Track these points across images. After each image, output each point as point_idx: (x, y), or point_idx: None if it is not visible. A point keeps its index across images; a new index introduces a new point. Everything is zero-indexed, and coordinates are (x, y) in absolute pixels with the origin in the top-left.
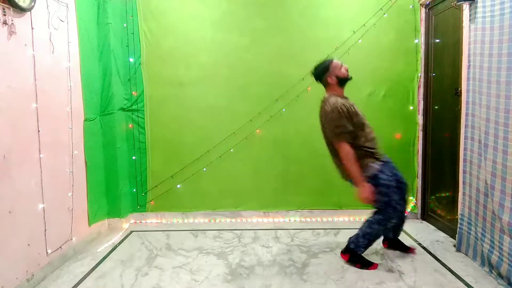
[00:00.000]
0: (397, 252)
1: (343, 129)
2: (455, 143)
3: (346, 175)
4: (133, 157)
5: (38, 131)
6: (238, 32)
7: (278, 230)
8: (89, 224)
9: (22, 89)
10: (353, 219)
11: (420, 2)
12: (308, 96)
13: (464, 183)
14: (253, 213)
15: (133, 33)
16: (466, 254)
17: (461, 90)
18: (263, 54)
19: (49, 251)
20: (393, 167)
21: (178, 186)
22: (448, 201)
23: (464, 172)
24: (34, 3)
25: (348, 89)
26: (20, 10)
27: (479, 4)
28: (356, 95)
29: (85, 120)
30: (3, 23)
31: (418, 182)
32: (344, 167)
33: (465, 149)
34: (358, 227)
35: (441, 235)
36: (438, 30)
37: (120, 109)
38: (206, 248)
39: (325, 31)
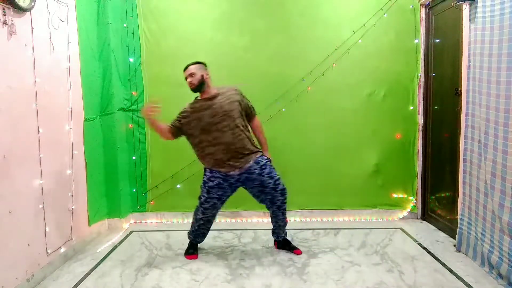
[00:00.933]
0: (397, 252)
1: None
2: (455, 143)
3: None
4: (133, 157)
5: (38, 131)
6: (238, 32)
7: None
8: (89, 224)
9: (22, 89)
10: (353, 219)
11: (420, 2)
12: (308, 96)
13: (464, 183)
14: (253, 213)
15: (133, 33)
16: (466, 254)
17: (461, 90)
18: (263, 54)
19: (49, 251)
20: None
21: (178, 186)
22: (448, 201)
23: (464, 172)
24: (34, 3)
25: (348, 89)
26: (20, 10)
27: (479, 4)
28: (356, 95)
29: (85, 120)
30: (3, 23)
31: (418, 182)
32: (249, 138)
33: (465, 149)
34: (358, 227)
35: (441, 235)
36: (438, 30)
37: (120, 109)
38: (206, 248)
39: (325, 31)
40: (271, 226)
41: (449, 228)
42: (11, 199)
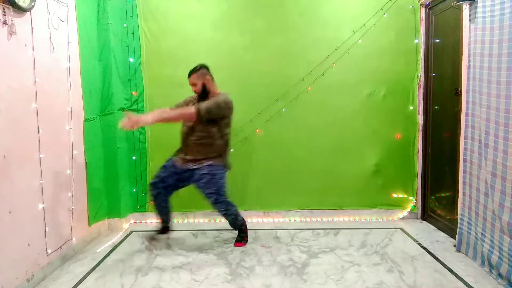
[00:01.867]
0: (397, 252)
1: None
2: (455, 143)
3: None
4: (133, 157)
5: (38, 131)
6: (238, 32)
7: (278, 230)
8: (89, 224)
9: (22, 89)
10: (353, 219)
11: (420, 2)
12: (308, 96)
13: (464, 183)
14: (253, 213)
15: (133, 33)
16: (466, 254)
17: (461, 90)
18: (263, 54)
19: (49, 251)
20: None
21: None
22: (448, 201)
23: (464, 172)
24: (34, 3)
25: (348, 89)
26: (20, 10)
27: (479, 4)
28: (356, 95)
29: (85, 120)
30: (3, 23)
31: (418, 182)
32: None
33: (465, 149)
34: (358, 227)
35: (441, 235)
36: (438, 30)
37: (120, 109)
38: (206, 248)
39: (325, 31)
40: (271, 226)
41: (449, 228)
42: (11, 199)
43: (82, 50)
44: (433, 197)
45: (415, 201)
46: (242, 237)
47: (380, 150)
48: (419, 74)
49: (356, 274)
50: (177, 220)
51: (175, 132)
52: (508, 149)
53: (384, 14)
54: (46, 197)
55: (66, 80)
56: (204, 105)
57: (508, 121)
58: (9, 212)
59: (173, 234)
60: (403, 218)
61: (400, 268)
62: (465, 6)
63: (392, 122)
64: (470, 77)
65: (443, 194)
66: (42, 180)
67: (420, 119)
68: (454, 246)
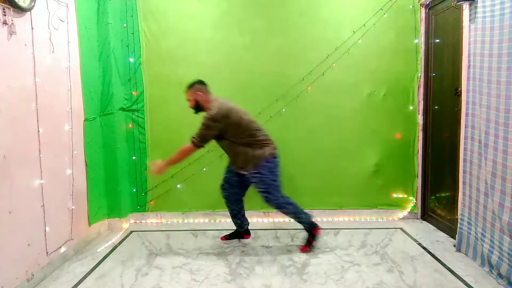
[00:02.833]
0: (397, 252)
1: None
2: (455, 143)
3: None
4: (133, 157)
5: (38, 131)
6: (238, 32)
7: (278, 230)
8: (89, 224)
9: (22, 89)
10: (353, 219)
11: (420, 2)
12: (308, 96)
13: (464, 183)
14: (253, 213)
15: (133, 33)
16: (466, 254)
17: (461, 90)
18: (263, 54)
19: (49, 251)
20: None
21: (178, 186)
22: (448, 201)
23: (464, 172)
24: (34, 3)
25: (348, 89)
26: (20, 10)
27: (479, 4)
28: (356, 95)
29: (85, 120)
30: (3, 23)
31: (418, 182)
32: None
33: (465, 149)
34: (358, 227)
35: (441, 235)
36: (438, 30)
37: (120, 109)
38: (206, 248)
39: (325, 31)
40: (271, 226)
41: (449, 228)
42: (11, 199)
43: (82, 50)
44: (433, 197)
45: (415, 201)
46: (307, 240)
47: (380, 150)
48: (419, 74)
49: (356, 274)
50: (177, 220)
51: (175, 132)
52: (508, 149)
53: (384, 14)
54: (46, 197)
55: (66, 80)
56: (196, 132)
57: (508, 121)
58: (9, 212)
59: (173, 234)
60: (403, 218)
61: (400, 268)
62: (465, 6)
63: (392, 122)
64: (470, 77)
65: (443, 194)
66: (42, 180)
67: (420, 119)
68: (454, 246)
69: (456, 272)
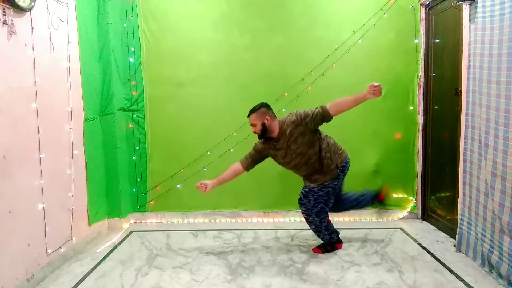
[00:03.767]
0: (397, 252)
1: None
2: (455, 143)
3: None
4: (133, 157)
5: (38, 131)
6: (238, 32)
7: (278, 230)
8: (89, 224)
9: (22, 89)
10: (353, 219)
11: (420, 2)
12: (308, 96)
13: (464, 183)
14: (253, 213)
15: (133, 33)
16: (466, 254)
17: (461, 90)
18: (263, 54)
19: (49, 251)
20: None
21: (178, 186)
22: (448, 201)
23: (464, 172)
24: (34, 3)
25: (348, 89)
26: (20, 10)
27: (479, 4)
28: None
29: (85, 120)
30: (3, 23)
31: (418, 182)
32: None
33: (465, 149)
34: (358, 227)
35: (441, 235)
36: (438, 30)
37: (120, 109)
38: (206, 248)
39: (325, 31)
40: (271, 226)
41: (449, 228)
42: (11, 199)
43: (82, 50)
44: (433, 197)
45: (415, 201)
46: (323, 246)
47: (380, 150)
48: (419, 74)
49: (356, 274)
50: (177, 220)
51: (175, 132)
52: (508, 149)
53: (384, 14)
54: (46, 197)
55: (66, 80)
56: (308, 111)
57: (508, 121)
58: (9, 212)
59: (173, 234)
60: (403, 218)
61: (400, 268)
62: (465, 6)
63: (392, 122)
64: (470, 77)
65: (443, 194)
66: (42, 180)
67: (420, 119)
68: (454, 246)
69: (456, 272)
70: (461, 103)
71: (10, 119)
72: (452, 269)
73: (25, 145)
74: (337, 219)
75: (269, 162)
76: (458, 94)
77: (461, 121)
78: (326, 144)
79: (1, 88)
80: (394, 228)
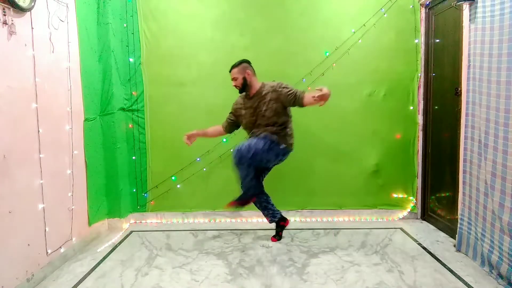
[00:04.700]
0: (397, 252)
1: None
2: (455, 143)
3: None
4: (133, 157)
5: (38, 131)
6: (238, 32)
7: None
8: (89, 224)
9: (22, 89)
10: (353, 219)
11: (420, 2)
12: None
13: (464, 183)
14: (253, 213)
15: (133, 33)
16: (466, 254)
17: (461, 90)
18: (263, 54)
19: (49, 251)
20: None
21: (178, 186)
22: (448, 201)
23: (464, 172)
24: (34, 3)
25: (348, 89)
26: (20, 10)
27: (479, 4)
28: (356, 95)
29: (85, 120)
30: (3, 23)
31: (418, 182)
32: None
33: (465, 149)
34: (358, 227)
35: (441, 235)
36: (438, 30)
37: (120, 109)
38: (206, 248)
39: (325, 31)
40: (271, 226)
41: (449, 228)
42: (11, 199)
43: (82, 50)
44: (433, 197)
45: (415, 201)
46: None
47: (380, 150)
48: (419, 74)
49: (356, 274)
50: (177, 220)
51: (175, 132)
52: (508, 149)
53: (384, 14)
54: (46, 197)
55: (66, 80)
56: (293, 91)
57: (508, 121)
58: (9, 212)
59: (173, 234)
60: (403, 218)
61: (400, 268)
62: (465, 6)
63: (392, 122)
64: (470, 77)
65: (443, 194)
66: (42, 180)
67: (420, 119)
68: (454, 246)
69: (456, 272)
70: (461, 103)
71: (10, 119)
72: (452, 269)
73: (25, 145)
74: (337, 219)
75: None
76: (458, 94)
77: (461, 121)
78: (291, 124)
79: (1, 88)
80: (394, 228)
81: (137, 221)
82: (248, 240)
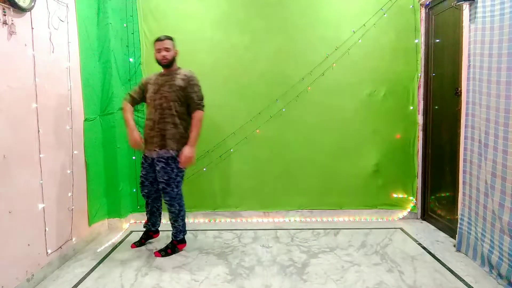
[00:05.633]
0: (397, 252)
1: (203, 100)
2: (455, 143)
3: (177, 139)
4: (133, 157)
5: (38, 131)
6: (238, 32)
7: (278, 230)
8: (89, 224)
9: (22, 89)
10: (353, 219)
11: (420, 2)
12: (308, 96)
13: (464, 183)
14: (253, 213)
15: (133, 33)
16: (466, 254)
17: (461, 90)
18: (263, 54)
19: (49, 251)
20: None
21: None
22: (448, 201)
23: (464, 172)
24: (34, 3)
25: (348, 89)
26: (20, 10)
27: (479, 4)
28: (356, 95)
29: (85, 120)
30: (3, 23)
31: (418, 182)
32: (181, 131)
33: (465, 149)
34: (358, 227)
35: (441, 235)
36: (438, 30)
37: (120, 109)
38: (206, 248)
39: (325, 31)
40: (271, 226)
41: (449, 228)
42: (11, 199)
43: (82, 50)
44: (433, 197)
45: (415, 201)
46: (166, 248)
47: (380, 150)
48: (419, 74)
49: (356, 274)
50: None
51: None
52: (508, 149)
53: (384, 14)
54: (46, 197)
55: (66, 80)
56: (197, 97)
57: (508, 121)
58: (9, 212)
59: None
60: (403, 218)
61: (400, 268)
62: (465, 6)
63: (392, 122)
64: (470, 77)
65: (443, 194)
66: (42, 180)
67: (420, 119)
68: (454, 246)
69: (456, 272)
70: (461, 103)
71: (10, 119)
72: (452, 269)
73: (25, 145)
74: (337, 219)
75: (269, 162)
76: (458, 94)
77: (461, 121)
78: (187, 124)
79: (1, 88)
80: (394, 228)
81: (137, 221)
82: (248, 240)
